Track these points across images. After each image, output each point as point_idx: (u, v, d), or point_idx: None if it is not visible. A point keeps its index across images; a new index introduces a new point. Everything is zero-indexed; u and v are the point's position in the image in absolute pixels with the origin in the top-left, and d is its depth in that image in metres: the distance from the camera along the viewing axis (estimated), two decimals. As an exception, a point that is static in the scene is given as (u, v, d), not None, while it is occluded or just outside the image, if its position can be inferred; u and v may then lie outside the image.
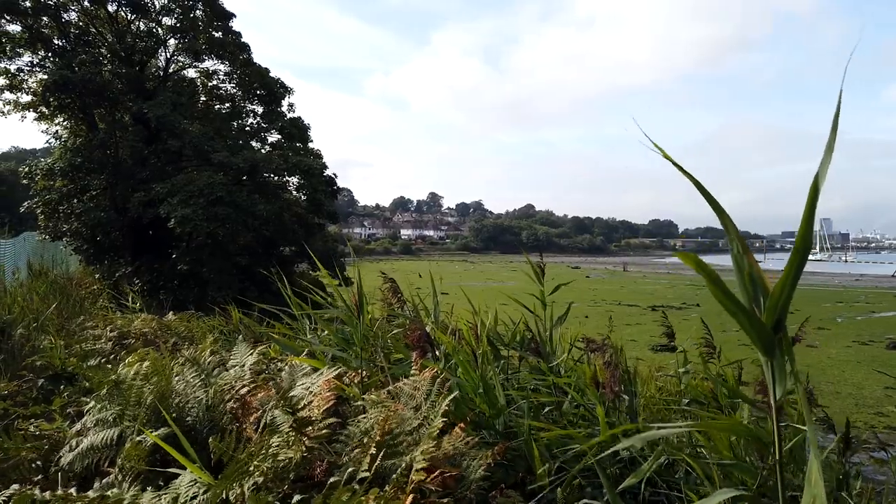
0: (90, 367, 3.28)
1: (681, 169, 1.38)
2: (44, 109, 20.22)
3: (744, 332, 1.38)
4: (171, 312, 8.05)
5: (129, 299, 10.30)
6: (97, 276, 18.71)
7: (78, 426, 2.29)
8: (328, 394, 2.10)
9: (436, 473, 1.71)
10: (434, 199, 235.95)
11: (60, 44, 20.15)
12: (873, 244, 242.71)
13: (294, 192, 22.89)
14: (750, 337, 1.38)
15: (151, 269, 19.47)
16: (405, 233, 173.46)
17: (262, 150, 23.20)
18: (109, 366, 3.49)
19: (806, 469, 1.55)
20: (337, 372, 2.34)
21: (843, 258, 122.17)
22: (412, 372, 2.63)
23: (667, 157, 1.42)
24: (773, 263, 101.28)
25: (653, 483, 2.93)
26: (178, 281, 18.61)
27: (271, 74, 23.79)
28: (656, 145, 1.41)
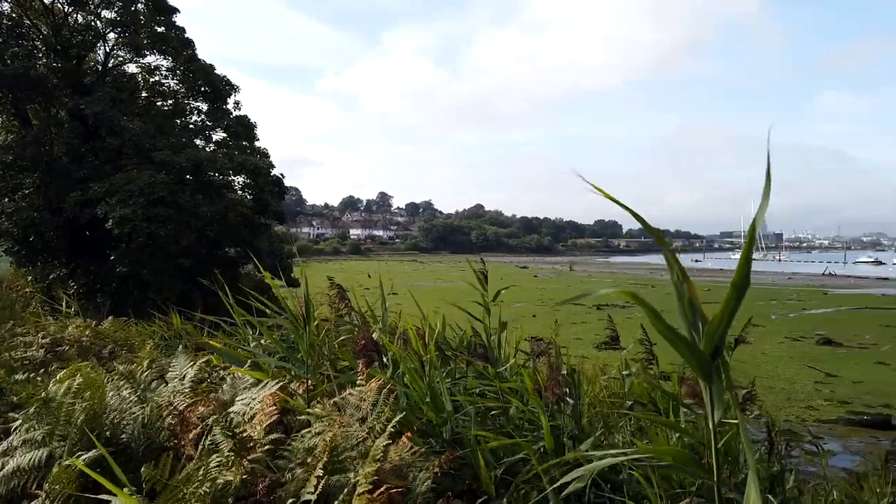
0: (18, 382, 3.13)
1: (625, 207, 1.42)
2: (-28, 104, 19.23)
3: (685, 359, 1.42)
4: (109, 317, 7.76)
5: (64, 303, 9.88)
6: (29, 278, 17.91)
7: (4, 445, 2.18)
8: (271, 408, 2.05)
9: (381, 489, 1.69)
10: (384, 198, 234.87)
11: (-10, 35, 19.19)
12: (805, 244, 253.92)
13: (239, 192, 22.38)
14: (689, 363, 1.41)
15: (88, 271, 18.74)
16: (354, 233, 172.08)
17: (207, 149, 22.59)
18: (39, 378, 3.33)
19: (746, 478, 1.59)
20: (281, 385, 2.29)
21: (777, 258, 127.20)
22: (359, 382, 2.60)
23: (608, 196, 1.46)
24: (712, 262, 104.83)
25: (597, 485, 2.98)
26: (117, 284, 17.97)
27: (217, 71, 23.20)
28: (596, 187, 1.44)
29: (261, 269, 5.73)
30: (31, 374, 3.53)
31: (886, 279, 63.44)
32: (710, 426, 1.44)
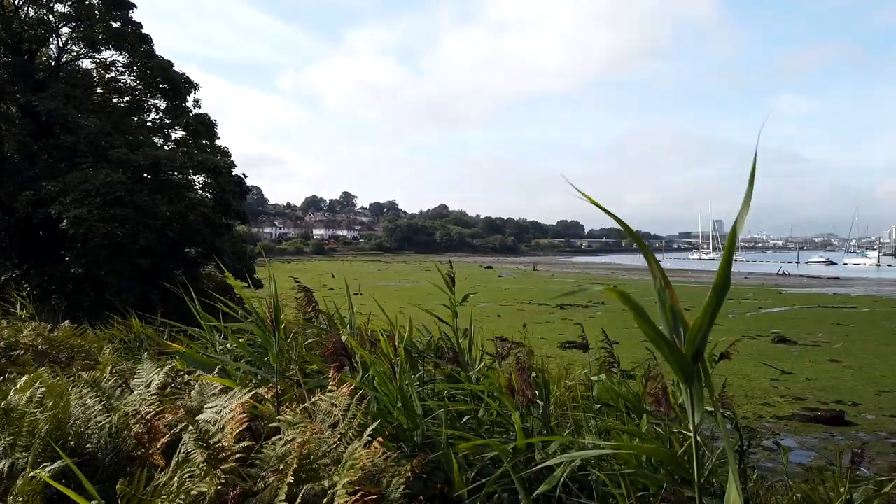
0: (-26, 390, 3.01)
1: (610, 214, 1.44)
2: (-84, 98, 18.47)
3: (665, 360, 1.44)
4: (65, 321, 7.53)
5: (17, 306, 9.56)
6: (-21, 280, 17.28)
7: (-40, 458, 2.10)
8: (241, 416, 2.02)
9: (356, 497, 1.68)
10: (347, 198, 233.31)
11: (-65, 28, 18.47)
12: (760, 244, 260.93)
13: (200, 192, 21.98)
14: (671, 366, 1.44)
15: (42, 272, 18.18)
16: (318, 232, 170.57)
17: (166, 148, 22.12)
18: (-5, 386, 3.21)
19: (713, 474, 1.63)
20: (252, 393, 2.26)
21: (734, 258, 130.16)
22: (329, 387, 2.58)
23: (596, 203, 1.48)
24: (671, 262, 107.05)
25: (566, 487, 3.02)
26: (73, 285, 17.46)
27: (175, 68, 22.73)
28: (584, 194, 1.46)
29: (224, 270, 5.65)
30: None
31: (837, 278, 65.65)
32: (691, 427, 1.47)
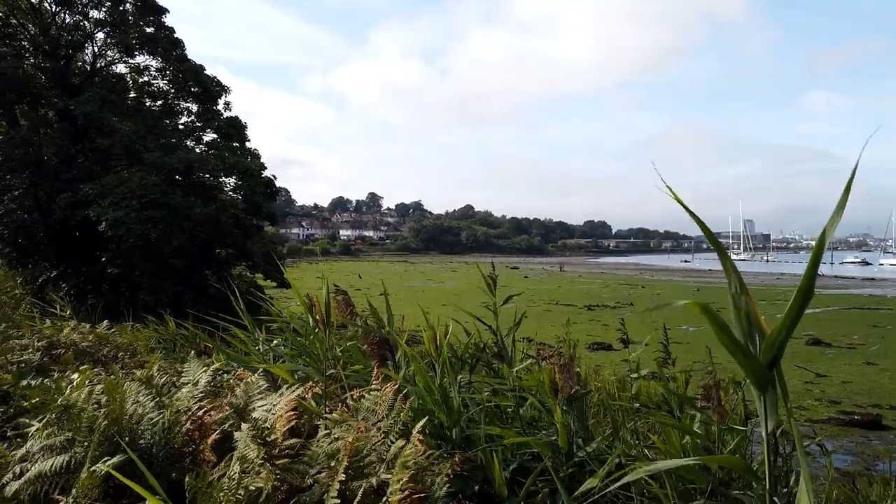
0: (28, 387, 3.12)
1: (691, 213, 1.43)
2: (-41, 104, 19.04)
3: (739, 366, 1.44)
4: (103, 321, 7.72)
5: (58, 306, 9.83)
6: (19, 280, 17.76)
7: (22, 451, 2.18)
8: (290, 413, 2.07)
9: (405, 495, 1.71)
10: (373, 199, 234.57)
11: (-23, 35, 19.04)
12: (792, 245, 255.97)
13: (231, 193, 22.31)
14: (745, 373, 1.44)
15: (79, 272, 18.61)
16: (344, 233, 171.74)
17: (198, 150, 22.51)
18: (48, 382, 3.32)
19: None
20: (299, 392, 2.31)
21: (765, 258, 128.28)
22: (373, 384, 2.62)
23: (679, 201, 1.48)
24: (700, 263, 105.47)
25: (607, 485, 3.01)
26: (108, 285, 17.85)
27: (206, 72, 23.12)
28: (671, 189, 1.46)
29: (258, 270, 5.73)
30: (36, 379, 3.51)
31: (873, 279, 64.16)
32: (764, 434, 1.47)
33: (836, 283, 57.35)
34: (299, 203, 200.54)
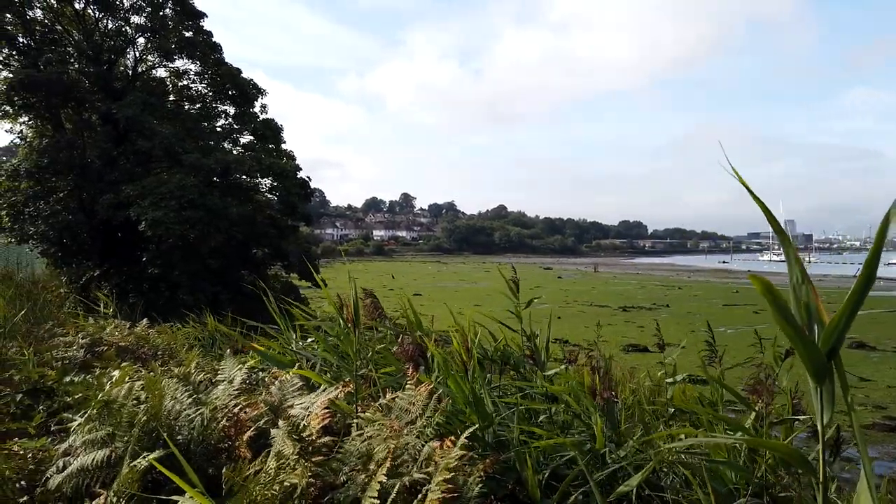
0: (71, 383, 3.21)
1: (758, 201, 1.41)
2: (7, 108, 19.66)
3: (799, 357, 1.41)
4: (144, 319, 7.90)
5: (101, 304, 10.08)
6: (64, 279, 18.29)
7: (65, 445, 2.24)
8: (324, 412, 2.09)
9: (441, 496, 1.71)
10: (406, 199, 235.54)
11: (25, 41, 19.66)
12: (835, 245, 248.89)
13: (267, 194, 22.66)
14: (803, 362, 1.41)
15: (120, 272, 19.11)
16: (378, 234, 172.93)
17: (234, 152, 22.91)
18: (89, 377, 3.41)
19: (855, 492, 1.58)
20: (335, 392, 2.33)
21: (807, 259, 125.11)
22: (407, 385, 2.63)
23: (744, 184, 1.44)
24: (739, 264, 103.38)
25: (640, 489, 2.97)
26: (149, 284, 18.29)
27: (243, 75, 23.53)
28: (741, 180, 1.43)
29: (294, 270, 5.81)
30: (79, 375, 3.61)
31: (920, 280, 62.02)
32: (819, 427, 1.44)
33: (880, 285, 55.64)
34: (333, 204, 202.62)
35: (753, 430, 2.92)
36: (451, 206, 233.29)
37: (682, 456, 3.27)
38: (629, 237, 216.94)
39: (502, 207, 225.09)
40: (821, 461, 1.50)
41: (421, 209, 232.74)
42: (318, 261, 24.94)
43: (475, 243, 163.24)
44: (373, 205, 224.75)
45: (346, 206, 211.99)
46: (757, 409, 2.76)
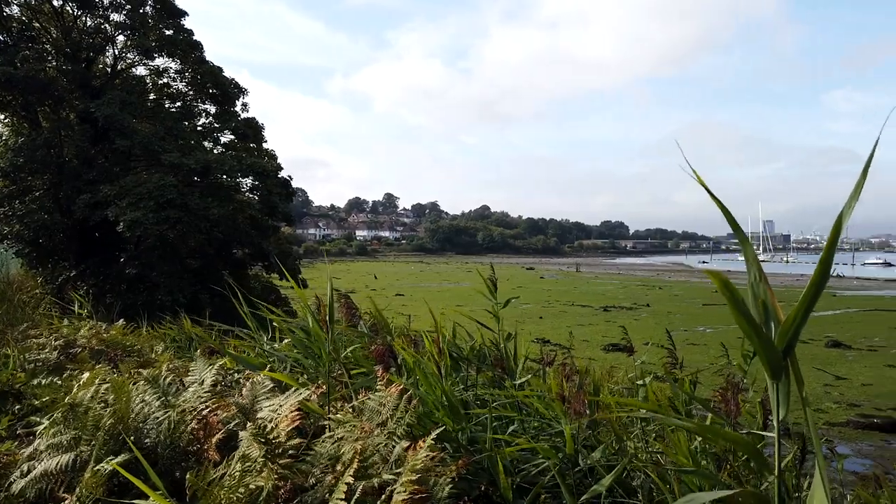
0: (39, 385, 3.17)
1: (717, 200, 1.43)
2: (-17, 106, 19.38)
3: (758, 354, 1.44)
4: (120, 320, 7.81)
5: (76, 305, 9.95)
6: (39, 280, 18.02)
7: (30, 449, 2.21)
8: (294, 414, 2.08)
9: (408, 496, 1.72)
10: (390, 199, 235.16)
11: (2, 39, 19.34)
12: (813, 245, 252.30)
13: (247, 194, 22.50)
14: (760, 359, 1.43)
15: (97, 272, 18.86)
16: (360, 234, 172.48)
17: (215, 151, 22.72)
18: (59, 381, 3.37)
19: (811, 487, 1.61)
20: (305, 394, 2.32)
21: (785, 259, 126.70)
22: (378, 386, 2.62)
23: (705, 186, 1.47)
24: (718, 264, 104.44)
25: (612, 491, 3.00)
26: (126, 285, 18.07)
27: (225, 73, 23.33)
28: (701, 182, 1.45)
29: (274, 270, 5.78)
30: (49, 378, 3.57)
31: (895, 281, 63.10)
32: (775, 422, 1.47)
33: (856, 285, 56.52)
34: (316, 204, 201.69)
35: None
36: (434, 207, 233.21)
37: (659, 457, 3.31)
38: (611, 237, 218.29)
39: (485, 207, 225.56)
40: (776, 455, 1.53)
41: (404, 209, 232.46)
42: (300, 261, 24.80)
43: (458, 243, 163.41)
44: (356, 205, 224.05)
45: (328, 206, 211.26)
46: (721, 409, 2.80)
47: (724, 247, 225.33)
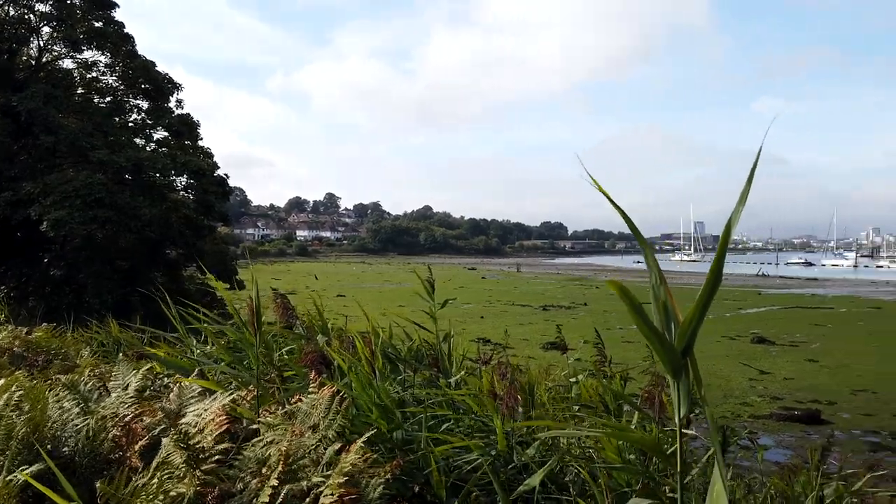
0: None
1: (619, 209, 1.47)
2: None
3: (656, 354, 1.49)
4: (43, 324, 7.46)
5: (-6, 309, 9.44)
6: (-45, 282, 17.04)
7: (-64, 462, 2.09)
8: (221, 418, 2.04)
9: (335, 498, 1.71)
10: (331, 199, 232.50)
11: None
12: (740, 246, 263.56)
13: (182, 193, 21.84)
14: (661, 360, 1.49)
15: (20, 273, 17.96)
16: (301, 234, 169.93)
17: (147, 148, 21.95)
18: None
19: (693, 475, 1.69)
20: (232, 397, 2.28)
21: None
22: (310, 389, 2.60)
23: (610, 199, 1.51)
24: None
25: (545, 487, 3.06)
26: (51, 287, 17.28)
27: (159, 68, 22.59)
28: (600, 188, 1.49)
29: (206, 272, 5.64)
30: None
31: (815, 279, 66.47)
32: (677, 420, 1.52)
33: (780, 284, 59.27)
34: (255, 203, 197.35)
35: (643, 428, 3.06)
36: (376, 207, 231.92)
37: (591, 452, 3.40)
38: (551, 238, 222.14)
39: (428, 208, 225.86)
40: (678, 451, 1.60)
41: (346, 209, 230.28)
42: (237, 262, 24.24)
43: (400, 244, 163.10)
44: (296, 204, 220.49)
45: (268, 205, 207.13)
46: (649, 414, 2.89)
47: (657, 247, 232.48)
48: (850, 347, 20.08)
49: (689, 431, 3.06)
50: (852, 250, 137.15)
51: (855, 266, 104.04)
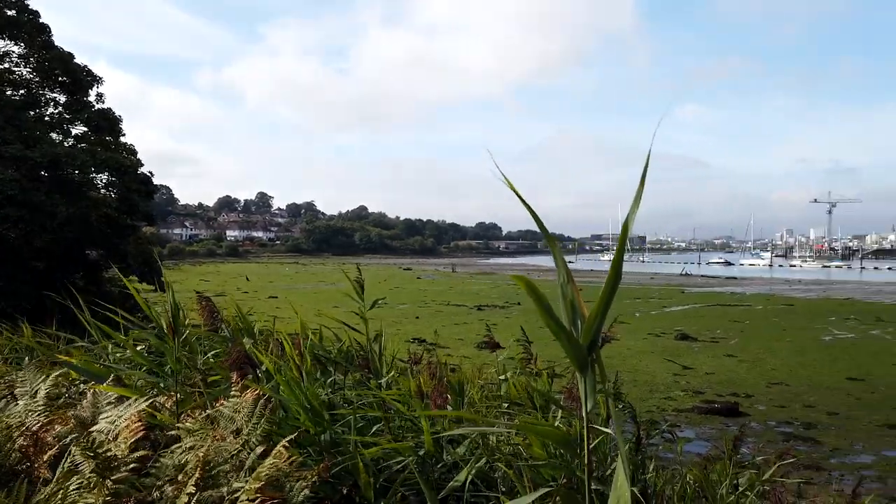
0: None
1: (528, 207, 1.50)
2: None
3: (565, 351, 1.53)
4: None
5: None
6: None
7: None
8: (136, 425, 1.97)
9: (257, 502, 1.68)
10: (263, 199, 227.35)
11: None
12: (665, 246, 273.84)
13: (103, 191, 20.87)
14: (568, 356, 1.53)
15: (-79, 276, 16.75)
16: (231, 234, 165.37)
17: (66, 143, 20.87)
18: None
19: (614, 468, 1.74)
20: (149, 402, 2.20)
21: (641, 259, 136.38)
22: (233, 393, 2.54)
23: (518, 195, 1.53)
24: (583, 263, 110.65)
25: (475, 486, 3.09)
26: (-43, 290, 16.19)
27: (77, 60, 21.51)
28: (510, 184, 1.52)
29: (125, 273, 5.40)
30: None
31: (734, 278, 69.70)
32: (584, 414, 1.56)
33: (702, 282, 61.83)
34: (183, 202, 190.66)
35: (567, 424, 3.14)
36: (310, 207, 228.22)
37: (520, 449, 3.46)
38: (485, 238, 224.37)
39: (363, 208, 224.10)
40: (585, 444, 1.65)
41: (279, 209, 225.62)
42: (162, 262, 23.37)
43: (335, 244, 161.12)
44: (226, 204, 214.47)
45: (196, 204, 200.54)
46: (571, 411, 2.97)
47: (588, 247, 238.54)
48: (765, 343, 21.17)
49: (603, 428, 3.16)
50: (768, 250, 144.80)
51: (770, 265, 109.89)
